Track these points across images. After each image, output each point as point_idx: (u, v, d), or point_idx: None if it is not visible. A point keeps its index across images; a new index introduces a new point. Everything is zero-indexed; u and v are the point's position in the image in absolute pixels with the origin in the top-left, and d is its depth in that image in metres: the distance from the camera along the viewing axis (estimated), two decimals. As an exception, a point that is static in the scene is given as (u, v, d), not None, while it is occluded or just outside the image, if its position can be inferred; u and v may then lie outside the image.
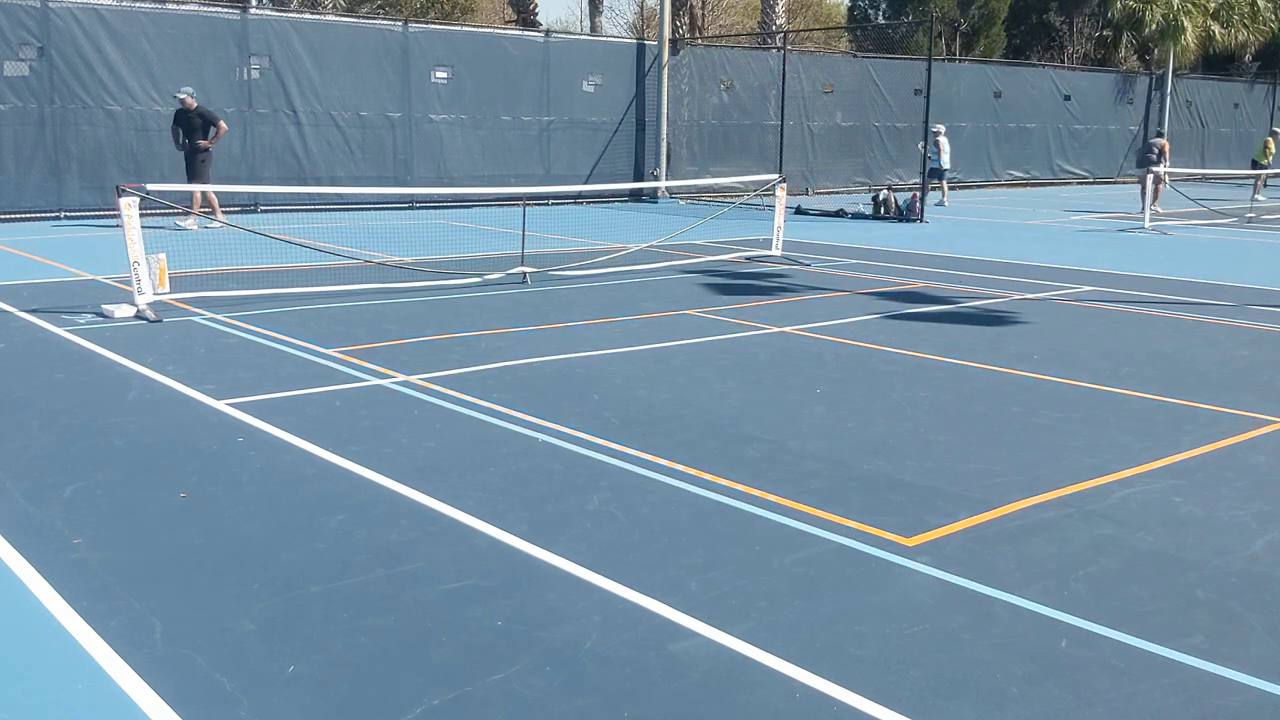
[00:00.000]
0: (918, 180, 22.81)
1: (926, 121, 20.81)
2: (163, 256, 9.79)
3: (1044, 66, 34.15)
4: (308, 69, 20.07)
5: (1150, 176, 21.79)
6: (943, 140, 22.98)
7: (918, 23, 37.74)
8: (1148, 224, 19.02)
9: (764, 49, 28.72)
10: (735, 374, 7.77)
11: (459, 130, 21.86)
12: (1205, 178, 31.73)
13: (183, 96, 16.33)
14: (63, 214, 17.48)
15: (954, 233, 18.49)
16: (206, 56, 19.04)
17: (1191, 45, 35.48)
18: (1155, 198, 23.33)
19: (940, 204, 23.15)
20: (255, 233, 11.55)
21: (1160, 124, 32.45)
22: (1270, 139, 27.46)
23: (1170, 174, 24.59)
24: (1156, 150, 22.53)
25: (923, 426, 6.51)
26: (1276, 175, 27.84)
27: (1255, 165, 27.45)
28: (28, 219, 17.32)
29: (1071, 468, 5.75)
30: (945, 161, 23.05)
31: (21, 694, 3.40)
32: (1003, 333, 9.58)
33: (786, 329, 9.50)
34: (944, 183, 23.70)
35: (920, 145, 21.82)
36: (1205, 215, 22.04)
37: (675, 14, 32.51)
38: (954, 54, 39.30)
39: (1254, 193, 26.41)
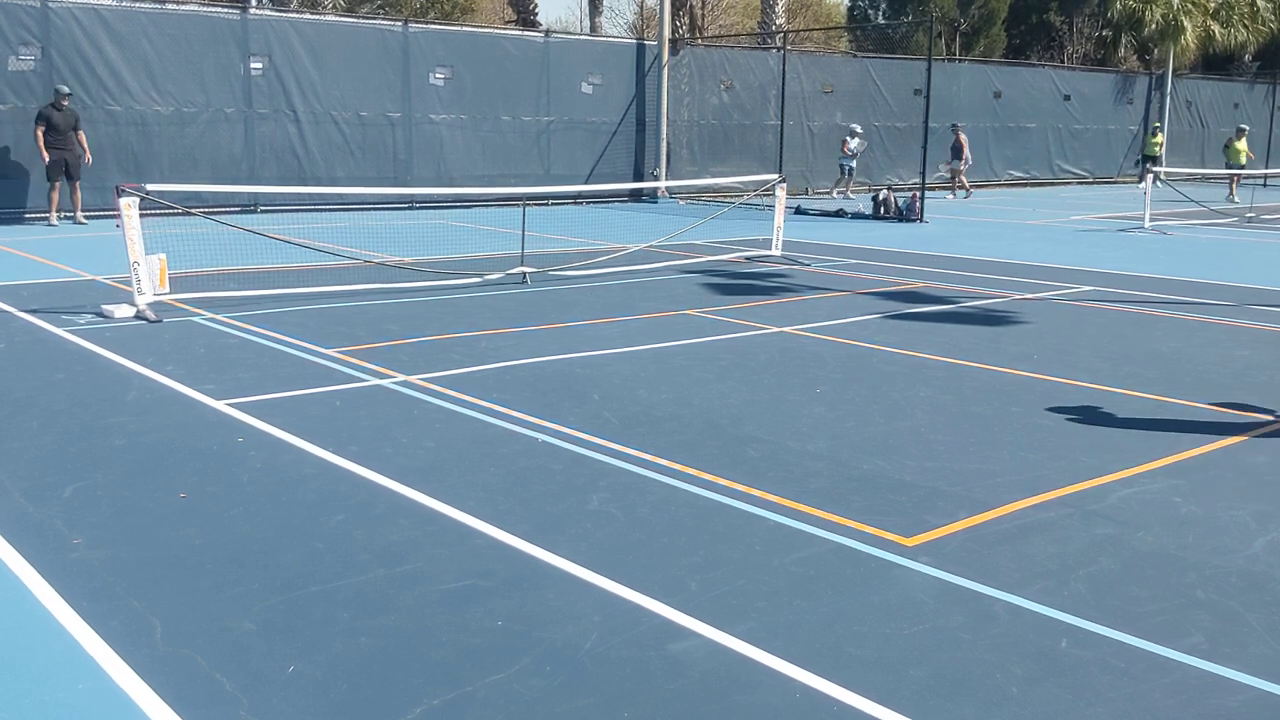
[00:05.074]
0: (916, 180, 23.36)
1: (926, 121, 20.81)
2: (163, 256, 9.79)
3: (1044, 66, 34.14)
4: (308, 69, 20.08)
5: (950, 169, 25.60)
6: (850, 140, 24.99)
7: (918, 23, 37.74)
8: (1147, 224, 19.02)
9: (764, 49, 28.72)
10: (735, 374, 7.77)
11: (459, 130, 21.86)
12: (1205, 178, 31.71)
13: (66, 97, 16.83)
14: (63, 214, 17.47)
15: (954, 233, 18.50)
16: (206, 56, 19.04)
17: (1191, 45, 35.47)
18: (955, 190, 26.40)
19: (845, 196, 24.96)
20: (255, 233, 11.55)
21: (1159, 122, 32.45)
22: (1239, 139, 27.43)
23: (1169, 174, 24.71)
24: (954, 143, 25.78)
25: (923, 426, 6.51)
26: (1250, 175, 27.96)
27: (1229, 165, 27.42)
28: (28, 219, 17.34)
29: (1071, 468, 5.75)
30: (849, 154, 25.10)
31: (21, 694, 3.40)
32: (1003, 333, 9.58)
33: (786, 329, 9.50)
34: (844, 177, 25.48)
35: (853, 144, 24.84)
36: (1205, 215, 22.05)
37: (675, 14, 32.50)
38: (954, 54, 39.30)
39: (1231, 193, 26.42)
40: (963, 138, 26.04)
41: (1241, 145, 27.08)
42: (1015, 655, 3.72)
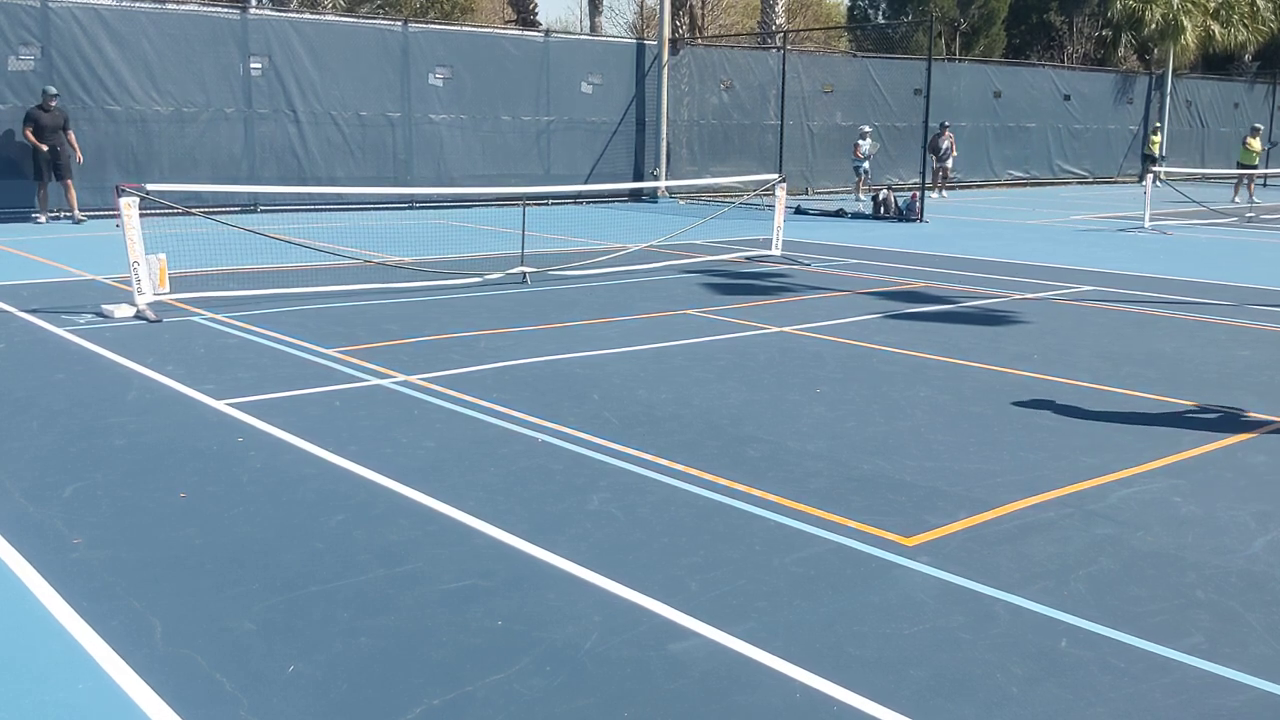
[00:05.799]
0: (916, 180, 23.31)
1: (926, 121, 20.81)
2: (163, 256, 9.79)
3: (1044, 66, 34.13)
4: (308, 69, 20.07)
5: (938, 167, 25.70)
6: (861, 142, 24.62)
7: (918, 22, 37.73)
8: (1147, 224, 19.02)
9: (764, 49, 28.72)
10: (735, 374, 7.77)
11: (459, 130, 21.85)
12: (1205, 177, 31.70)
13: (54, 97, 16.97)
14: (61, 214, 17.48)
15: (954, 233, 18.50)
16: (206, 56, 19.04)
17: (1191, 45, 35.47)
18: (942, 188, 26.41)
19: (856, 198, 24.68)
20: (255, 233, 11.55)
21: (1160, 122, 32.45)
22: (1253, 138, 27.21)
23: (1170, 173, 24.71)
24: (946, 143, 25.65)
25: (923, 426, 6.51)
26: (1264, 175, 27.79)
27: (1241, 165, 27.27)
28: (27, 219, 17.33)
29: (1071, 468, 5.75)
30: (862, 156, 24.67)
31: (21, 694, 3.40)
32: (1003, 333, 9.57)
33: (786, 329, 9.50)
34: (860, 179, 25.08)
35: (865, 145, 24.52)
36: (1205, 215, 22.04)
37: (675, 14, 32.50)
38: (954, 54, 39.29)
39: (1234, 194, 26.32)
40: (951, 137, 25.83)
41: (1255, 144, 27.00)
42: (1015, 655, 3.72)
